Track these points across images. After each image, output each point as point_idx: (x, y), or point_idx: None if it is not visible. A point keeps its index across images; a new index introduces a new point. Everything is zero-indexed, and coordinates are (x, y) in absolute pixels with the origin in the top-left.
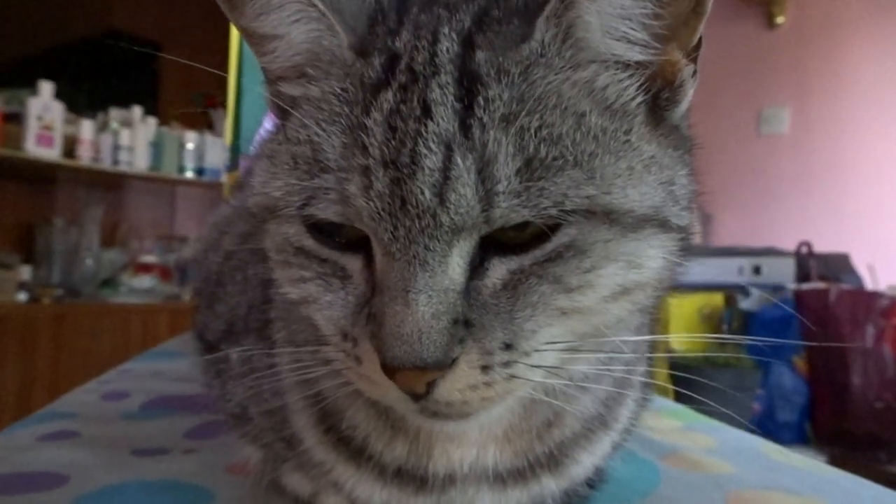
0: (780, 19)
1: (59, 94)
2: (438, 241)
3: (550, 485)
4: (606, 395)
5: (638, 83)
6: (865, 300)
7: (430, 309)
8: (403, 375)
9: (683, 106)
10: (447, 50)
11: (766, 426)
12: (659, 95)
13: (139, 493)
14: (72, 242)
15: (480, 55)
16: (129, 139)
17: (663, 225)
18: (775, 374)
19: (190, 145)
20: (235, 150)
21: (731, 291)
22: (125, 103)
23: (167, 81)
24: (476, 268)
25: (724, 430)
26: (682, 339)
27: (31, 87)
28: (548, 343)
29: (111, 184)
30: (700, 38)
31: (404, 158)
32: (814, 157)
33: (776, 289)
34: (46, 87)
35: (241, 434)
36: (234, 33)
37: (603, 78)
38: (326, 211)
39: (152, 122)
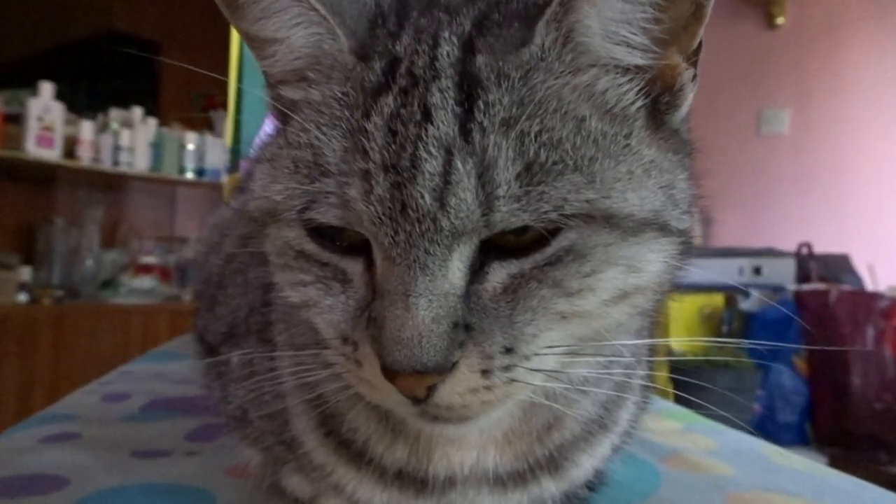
0: (780, 20)
1: (60, 95)
2: (439, 245)
3: (550, 487)
4: (606, 398)
5: (638, 87)
6: (865, 301)
7: (430, 313)
8: (404, 379)
9: (683, 110)
10: (447, 54)
11: (767, 427)
12: (659, 99)
13: (140, 496)
14: (72, 243)
15: (481, 59)
16: (130, 140)
17: (663, 229)
18: (775, 375)
19: (190, 146)
20: (236, 151)
21: (732, 292)
22: (125, 104)
23: (167, 82)
24: (476, 272)
25: (725, 431)
26: (681, 342)
27: (32, 87)
28: (548, 347)
29: (111, 184)
30: (700, 42)
31: (405, 162)
32: (814, 157)
33: (776, 289)
34: (47, 88)
35: (241, 437)
36: (235, 34)
37: (603, 82)
38: (327, 215)
39: (152, 122)
